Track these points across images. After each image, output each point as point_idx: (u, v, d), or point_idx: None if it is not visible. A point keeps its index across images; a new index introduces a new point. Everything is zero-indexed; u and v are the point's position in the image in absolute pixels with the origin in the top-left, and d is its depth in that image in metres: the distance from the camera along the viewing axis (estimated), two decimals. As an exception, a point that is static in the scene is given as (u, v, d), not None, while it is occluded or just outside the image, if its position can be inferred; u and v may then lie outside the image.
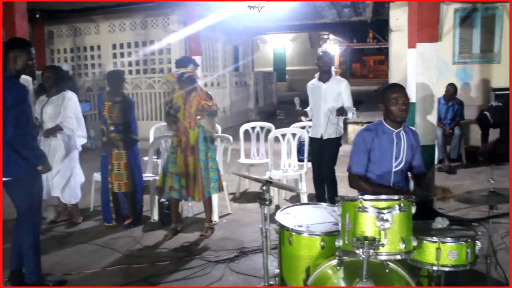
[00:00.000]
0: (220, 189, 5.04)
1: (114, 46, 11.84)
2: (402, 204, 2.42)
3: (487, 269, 2.90)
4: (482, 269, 3.08)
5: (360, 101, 14.93)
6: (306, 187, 5.59)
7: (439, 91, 8.00)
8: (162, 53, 11.51)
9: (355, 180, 3.30)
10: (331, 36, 26.63)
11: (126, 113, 5.28)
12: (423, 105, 4.56)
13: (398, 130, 3.28)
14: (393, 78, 10.52)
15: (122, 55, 11.79)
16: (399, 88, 3.26)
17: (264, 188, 2.85)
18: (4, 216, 4.22)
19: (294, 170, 5.76)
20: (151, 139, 6.46)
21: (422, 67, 4.54)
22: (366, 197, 2.44)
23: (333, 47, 28.95)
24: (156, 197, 5.38)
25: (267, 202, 2.80)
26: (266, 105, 16.87)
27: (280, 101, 18.62)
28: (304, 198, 5.56)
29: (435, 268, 2.60)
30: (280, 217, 3.03)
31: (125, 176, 5.28)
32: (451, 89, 7.95)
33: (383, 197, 2.47)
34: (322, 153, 5.19)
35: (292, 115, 5.88)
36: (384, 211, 2.37)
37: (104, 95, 5.38)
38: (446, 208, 5.42)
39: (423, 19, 4.47)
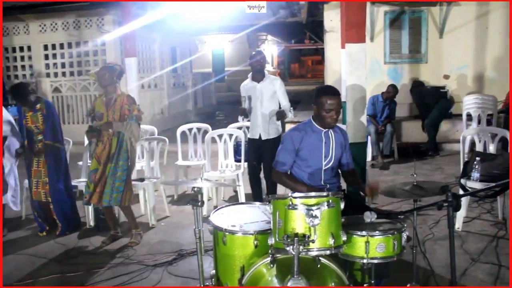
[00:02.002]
0: (122, 202, 4.72)
1: (45, 47, 11.38)
2: (330, 201, 2.49)
3: (413, 259, 3.04)
4: (411, 258, 3.24)
5: (297, 101, 15.18)
6: (243, 187, 5.61)
7: (373, 90, 8.34)
8: (97, 55, 11.19)
9: (279, 176, 3.39)
10: (269, 37, 26.89)
11: (49, 118, 5.05)
12: (353, 104, 4.70)
13: (327, 129, 3.36)
14: (329, 78, 10.80)
15: (54, 56, 11.37)
16: (335, 96, 3.24)
17: (195, 189, 2.85)
18: None
19: (231, 171, 5.78)
20: (86, 142, 6.26)
21: (350, 67, 4.68)
22: (296, 194, 2.49)
23: (271, 47, 29.28)
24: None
25: (199, 203, 2.80)
26: (205, 106, 16.81)
27: (220, 102, 18.61)
28: (241, 197, 5.59)
29: (364, 261, 2.69)
30: (214, 217, 3.03)
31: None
32: (392, 91, 8.21)
33: (312, 194, 2.54)
34: (261, 153, 5.22)
35: (231, 115, 5.92)
36: (313, 208, 2.43)
37: (22, 107, 5.07)
38: (379, 203, 5.63)
39: (351, 20, 4.60)
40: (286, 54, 35.18)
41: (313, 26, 14.25)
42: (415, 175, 3.09)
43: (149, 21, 10.53)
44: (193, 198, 2.83)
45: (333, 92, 3.30)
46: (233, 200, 6.05)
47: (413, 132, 9.60)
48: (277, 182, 3.42)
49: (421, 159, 8.38)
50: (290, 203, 2.45)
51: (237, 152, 5.89)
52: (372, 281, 2.82)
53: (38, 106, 5.04)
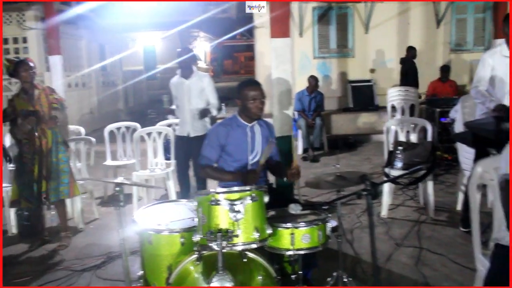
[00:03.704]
0: (71, 194, 4.70)
1: (-42, 45, 10.66)
2: (253, 194, 2.50)
3: (339, 248, 3.12)
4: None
5: (230, 97, 15.16)
6: (174, 185, 5.55)
7: (304, 84, 8.52)
8: (18, 52, 10.62)
9: (204, 171, 3.39)
10: (202, 34, 26.68)
11: None
12: (279, 98, 4.75)
13: (252, 123, 3.39)
14: (260, 73, 10.89)
15: (-31, 55, 10.68)
16: (257, 87, 3.33)
17: (117, 189, 2.77)
18: None
19: (161, 169, 5.68)
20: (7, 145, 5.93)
21: (276, 61, 4.72)
22: (219, 190, 2.48)
23: (204, 44, 29.09)
24: (12, 209, 5.00)
25: (122, 204, 2.73)
26: (137, 105, 16.46)
27: (152, 100, 18.27)
28: (172, 196, 5.53)
29: (290, 252, 2.72)
30: (140, 217, 2.97)
31: None
32: (313, 81, 8.44)
33: (235, 189, 2.53)
34: (190, 151, 5.16)
35: (164, 114, 5.84)
36: (236, 203, 2.43)
37: None
38: (310, 195, 5.75)
39: (275, 15, 4.65)
40: (219, 51, 35.10)
41: (244, 22, 14.28)
42: (337, 166, 3.17)
43: (74, 17, 10.16)
44: (116, 199, 2.75)
45: (254, 82, 3.41)
46: (165, 198, 5.95)
47: (343, 124, 9.91)
48: (203, 176, 3.42)
49: (350, 151, 8.65)
50: (213, 198, 2.44)
51: (166, 150, 5.80)
52: (300, 272, 2.86)
53: None
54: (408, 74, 9.30)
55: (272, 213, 2.94)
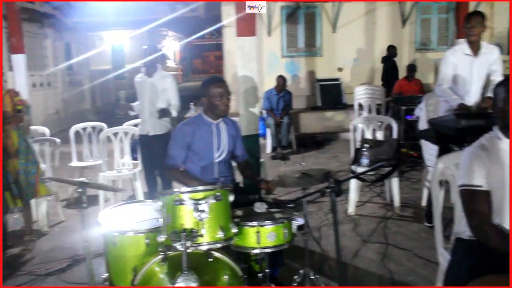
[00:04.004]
0: (37, 194, 4.62)
1: None
2: (218, 194, 2.49)
3: (305, 245, 3.14)
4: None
5: (199, 96, 15.11)
6: (141, 186, 5.48)
7: (272, 83, 8.55)
8: (-22, 52, 10.29)
9: (171, 172, 3.37)
10: (170, 33, 26.46)
11: None
12: (245, 96, 4.75)
13: (218, 121, 3.38)
14: (228, 72, 10.89)
15: None
16: (222, 83, 3.34)
17: (80, 190, 2.72)
18: None
19: (128, 170, 5.61)
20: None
21: (242, 60, 4.74)
22: (183, 189, 2.47)
23: (173, 43, 28.88)
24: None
25: (85, 205, 2.68)
26: (104, 105, 16.19)
27: (120, 99, 18.01)
28: (140, 196, 5.46)
29: (257, 251, 2.72)
30: (104, 218, 2.92)
31: None
32: (281, 81, 8.49)
33: (200, 188, 2.52)
34: (151, 150, 5.10)
35: (121, 109, 5.72)
36: (201, 202, 2.42)
37: None
38: (278, 193, 5.76)
39: (242, 14, 4.66)
40: (189, 50, 34.89)
41: (213, 21, 14.25)
42: (303, 163, 3.19)
43: (38, 15, 9.89)
44: (78, 200, 2.70)
45: (219, 79, 3.43)
46: (133, 199, 5.86)
47: (311, 123, 9.98)
48: (170, 178, 3.38)
49: (318, 149, 8.72)
50: (177, 198, 2.42)
51: (133, 150, 5.72)
52: (267, 270, 2.87)
53: None
54: (389, 72, 9.48)
55: (238, 212, 2.94)
